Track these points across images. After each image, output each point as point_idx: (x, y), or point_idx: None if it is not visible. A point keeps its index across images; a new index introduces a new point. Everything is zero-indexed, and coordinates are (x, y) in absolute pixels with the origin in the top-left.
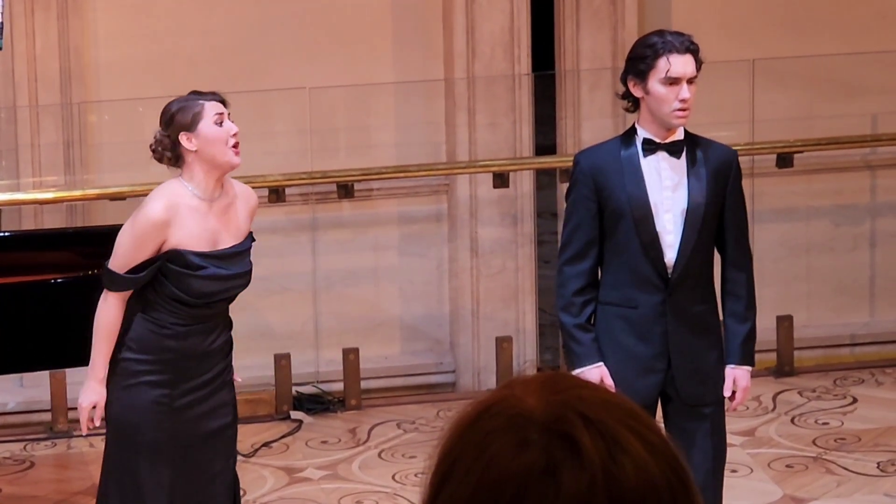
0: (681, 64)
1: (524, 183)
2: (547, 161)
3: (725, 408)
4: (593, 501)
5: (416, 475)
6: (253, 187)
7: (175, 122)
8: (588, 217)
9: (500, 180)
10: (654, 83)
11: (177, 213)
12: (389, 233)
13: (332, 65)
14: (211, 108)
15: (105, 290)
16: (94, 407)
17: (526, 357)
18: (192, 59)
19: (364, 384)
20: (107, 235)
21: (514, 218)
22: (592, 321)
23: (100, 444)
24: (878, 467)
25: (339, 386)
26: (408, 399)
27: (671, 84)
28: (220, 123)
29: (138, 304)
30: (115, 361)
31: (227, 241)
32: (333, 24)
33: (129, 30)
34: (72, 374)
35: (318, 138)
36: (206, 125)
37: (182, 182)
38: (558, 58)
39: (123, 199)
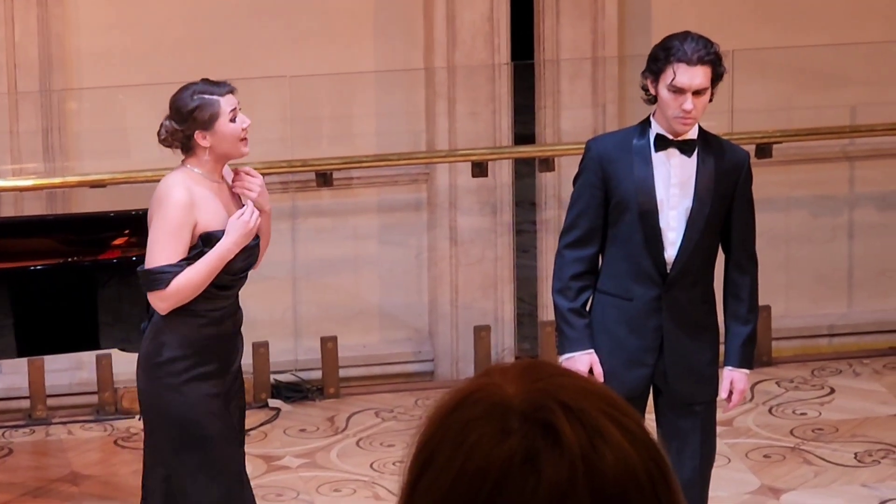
0: (687, 76)
1: (503, 172)
2: (526, 150)
3: (720, 409)
4: (573, 489)
5: (394, 464)
6: None
7: (192, 119)
8: (594, 204)
9: (480, 169)
10: (662, 87)
11: (196, 197)
12: (369, 221)
13: (312, 54)
14: (227, 105)
15: (151, 295)
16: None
17: (504, 346)
18: (173, 46)
19: (342, 372)
20: (86, 222)
21: (493, 207)
22: (588, 308)
23: (79, 431)
24: (855, 458)
25: (318, 374)
26: (386, 388)
27: (676, 92)
28: (234, 119)
29: None
30: (158, 365)
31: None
32: (315, 13)
33: (109, 17)
34: (50, 361)
35: (299, 127)
36: (223, 123)
37: (190, 168)
38: (538, 47)
39: (103, 186)
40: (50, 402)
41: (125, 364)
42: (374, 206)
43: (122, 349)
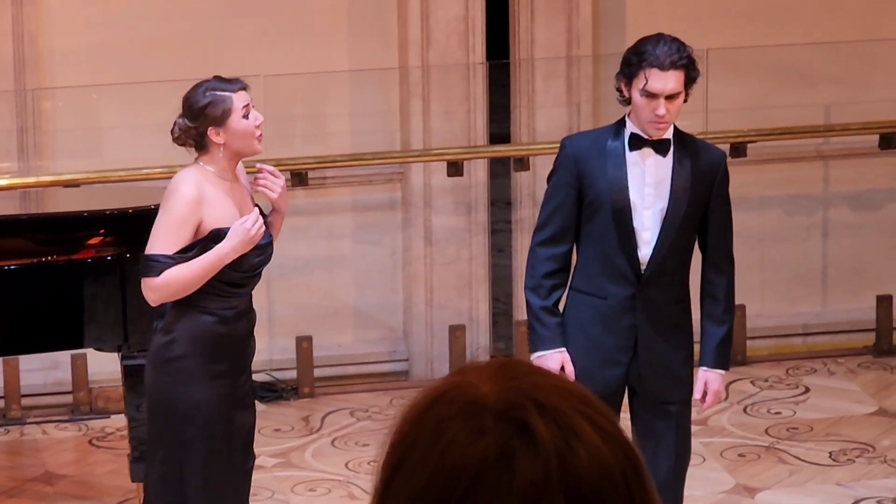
0: (660, 81)
1: (478, 171)
2: (501, 150)
3: (694, 409)
4: (548, 488)
5: (369, 463)
6: None
7: (204, 115)
8: (567, 203)
9: (454, 169)
10: (635, 91)
11: (207, 194)
12: (343, 221)
13: (287, 53)
14: (239, 101)
15: (144, 280)
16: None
17: (479, 346)
18: (147, 46)
19: (317, 372)
20: (61, 222)
21: (467, 206)
22: (560, 305)
23: (53, 431)
24: (830, 457)
25: (293, 374)
26: (361, 387)
27: (649, 97)
28: (247, 115)
29: (184, 298)
30: (167, 361)
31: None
32: (289, 12)
33: (83, 16)
34: (25, 360)
35: (273, 126)
36: (236, 119)
37: (202, 166)
38: (513, 46)
39: (77, 185)
40: (24, 401)
41: (100, 364)
42: (349, 206)
43: (98, 349)
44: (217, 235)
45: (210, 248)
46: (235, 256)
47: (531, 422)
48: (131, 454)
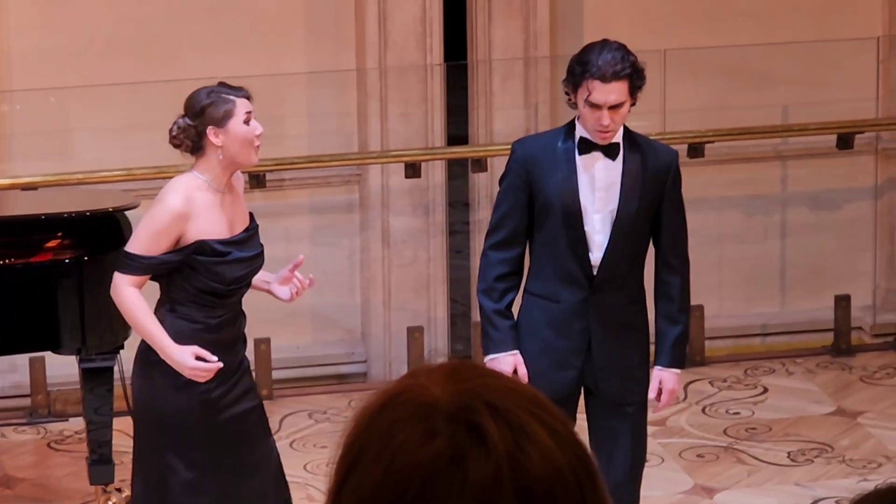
0: (602, 93)
1: (436, 173)
2: (459, 151)
3: (650, 408)
4: (500, 490)
5: (327, 465)
6: (164, 178)
7: (206, 114)
8: (518, 206)
9: (412, 170)
10: (580, 100)
11: (195, 206)
12: (301, 223)
13: (244, 55)
14: (242, 107)
15: (116, 275)
16: (197, 358)
17: (437, 347)
18: (105, 48)
19: (275, 374)
20: (18, 225)
21: (425, 208)
22: (513, 308)
23: (12, 434)
24: (788, 457)
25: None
26: (319, 389)
27: (593, 107)
28: (248, 122)
29: (167, 304)
30: (153, 364)
31: (239, 227)
32: (246, 14)
33: (41, 19)
34: None
35: None
36: (236, 123)
37: (196, 175)
38: (470, 48)
39: (35, 188)
40: None
41: (58, 367)
42: (307, 208)
43: (55, 352)
44: (200, 247)
45: (192, 260)
46: (169, 360)
47: (483, 423)
48: (90, 457)
